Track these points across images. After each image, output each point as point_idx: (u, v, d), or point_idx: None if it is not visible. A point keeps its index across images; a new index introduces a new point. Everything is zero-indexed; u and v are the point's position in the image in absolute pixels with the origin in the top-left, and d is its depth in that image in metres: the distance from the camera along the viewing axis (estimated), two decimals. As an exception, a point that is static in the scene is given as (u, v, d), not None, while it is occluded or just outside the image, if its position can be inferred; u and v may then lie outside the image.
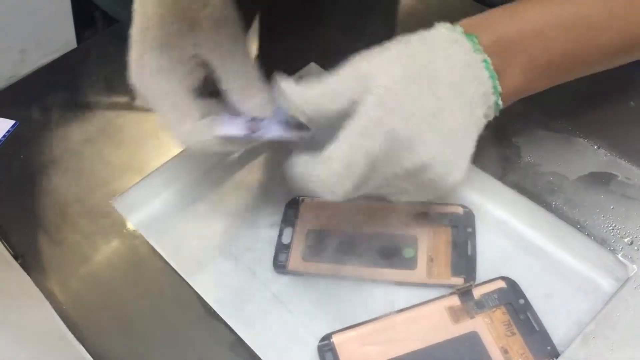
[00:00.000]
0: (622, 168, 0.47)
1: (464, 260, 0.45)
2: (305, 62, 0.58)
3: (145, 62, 0.42)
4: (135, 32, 0.43)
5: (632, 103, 0.50)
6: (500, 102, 0.43)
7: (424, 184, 0.41)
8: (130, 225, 0.49)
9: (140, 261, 0.47)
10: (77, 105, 0.58)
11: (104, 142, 0.55)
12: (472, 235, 0.46)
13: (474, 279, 0.45)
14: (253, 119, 0.43)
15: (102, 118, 0.56)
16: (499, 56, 0.42)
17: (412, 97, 0.39)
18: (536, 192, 0.46)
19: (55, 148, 0.55)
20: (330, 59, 0.57)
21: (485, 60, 0.42)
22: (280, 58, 0.59)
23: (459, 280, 0.45)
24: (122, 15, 0.84)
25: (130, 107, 0.57)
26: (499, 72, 0.42)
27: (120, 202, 0.50)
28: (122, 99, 0.58)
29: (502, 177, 0.49)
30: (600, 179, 0.46)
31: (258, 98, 0.43)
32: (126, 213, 0.49)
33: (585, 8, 0.43)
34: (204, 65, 0.44)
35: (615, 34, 0.43)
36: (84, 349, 0.42)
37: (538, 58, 0.43)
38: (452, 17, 0.42)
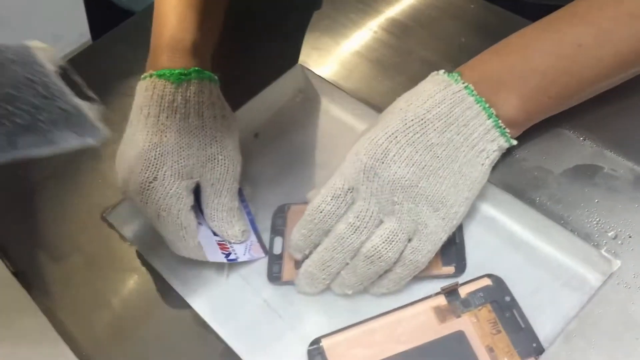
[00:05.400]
0: (608, 160, 0.46)
1: (452, 249, 0.46)
2: (292, 63, 0.58)
3: (157, 186, 0.45)
4: (148, 151, 0.45)
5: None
6: (502, 125, 0.45)
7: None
8: (124, 237, 0.49)
9: (133, 270, 0.48)
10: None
11: (99, 157, 0.54)
12: (459, 228, 0.46)
13: (464, 267, 0.45)
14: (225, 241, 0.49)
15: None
16: (487, 86, 0.45)
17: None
18: (520, 188, 0.46)
19: (53, 162, 0.55)
20: (315, 59, 0.57)
21: (467, 87, 0.44)
22: (267, 59, 0.59)
23: (449, 269, 0.45)
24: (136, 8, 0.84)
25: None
26: (492, 101, 0.44)
27: (113, 214, 0.51)
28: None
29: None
30: (586, 172, 0.46)
31: (237, 227, 0.49)
32: (119, 225, 0.50)
33: (570, 34, 0.44)
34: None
35: (605, 55, 0.44)
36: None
37: (530, 83, 0.45)
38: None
